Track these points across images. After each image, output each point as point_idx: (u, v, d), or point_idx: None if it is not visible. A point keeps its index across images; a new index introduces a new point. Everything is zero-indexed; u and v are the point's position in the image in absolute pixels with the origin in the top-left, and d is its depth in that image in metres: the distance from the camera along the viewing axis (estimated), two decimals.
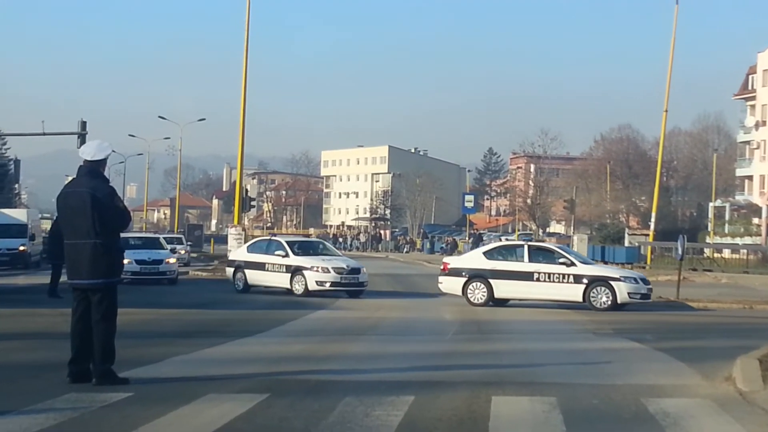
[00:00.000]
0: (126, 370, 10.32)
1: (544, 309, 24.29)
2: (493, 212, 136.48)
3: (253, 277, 28.85)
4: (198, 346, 13.84)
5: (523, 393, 10.01)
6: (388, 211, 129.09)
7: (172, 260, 33.96)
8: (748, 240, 66.02)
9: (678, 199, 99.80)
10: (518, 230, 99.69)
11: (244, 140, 41.98)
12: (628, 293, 24.14)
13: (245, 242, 41.82)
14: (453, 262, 26.72)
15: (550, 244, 33.94)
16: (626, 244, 59.51)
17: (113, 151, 10.77)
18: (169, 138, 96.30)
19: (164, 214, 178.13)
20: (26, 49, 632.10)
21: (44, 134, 50.06)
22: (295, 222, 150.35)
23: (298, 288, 27.24)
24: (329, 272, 27.14)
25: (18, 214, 47.24)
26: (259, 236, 45.62)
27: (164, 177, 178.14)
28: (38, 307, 20.98)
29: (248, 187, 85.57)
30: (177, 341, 14.56)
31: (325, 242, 36.97)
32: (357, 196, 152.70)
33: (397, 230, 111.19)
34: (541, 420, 8.59)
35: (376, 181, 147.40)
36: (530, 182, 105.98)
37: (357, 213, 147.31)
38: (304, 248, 29.50)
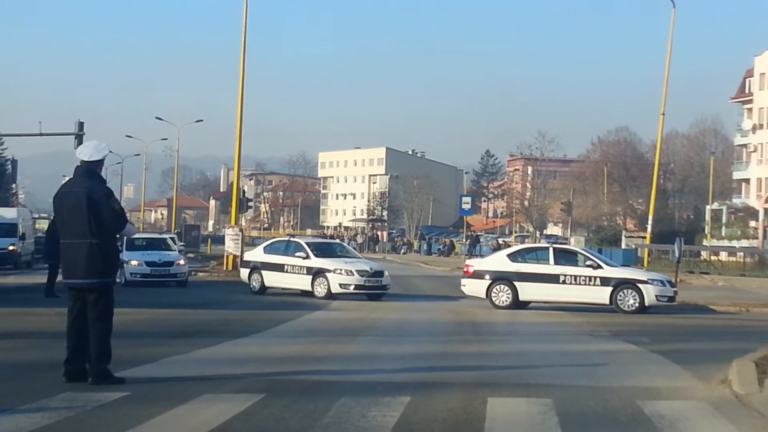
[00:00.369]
0: (122, 369, 10.31)
1: (541, 311, 24.30)
2: (491, 214, 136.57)
3: (271, 278, 28.51)
4: (194, 346, 13.83)
5: (519, 394, 10.01)
6: (385, 213, 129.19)
7: (183, 262, 33.27)
8: (744, 243, 66.17)
9: (675, 202, 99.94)
10: (515, 232, 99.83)
11: (242, 141, 41.97)
12: (656, 296, 24.12)
13: (242, 243, 41.97)
14: (476, 264, 26.50)
15: (575, 246, 33.57)
16: (623, 246, 59.65)
17: (110, 151, 10.77)
18: (166, 139, 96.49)
19: (161, 214, 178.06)
20: (24, 49, 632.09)
21: (41, 135, 49.95)
22: (292, 223, 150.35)
23: (320, 291, 26.88)
24: (353, 275, 26.74)
25: (8, 213, 46.07)
26: (258, 236, 45.60)
27: (161, 178, 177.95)
28: (35, 306, 20.99)
29: (245, 188, 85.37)
30: (173, 341, 14.55)
31: (343, 244, 36.59)
32: (354, 198, 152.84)
33: (394, 231, 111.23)
34: (537, 422, 8.59)
35: (374, 183, 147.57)
36: (527, 184, 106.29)
37: (354, 214, 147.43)
38: (324, 250, 29.09)
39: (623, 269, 26.89)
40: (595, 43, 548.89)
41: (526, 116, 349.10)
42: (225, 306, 23.55)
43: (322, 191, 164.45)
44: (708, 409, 9.43)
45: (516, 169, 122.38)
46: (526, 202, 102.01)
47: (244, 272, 29.86)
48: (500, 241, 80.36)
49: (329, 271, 26.90)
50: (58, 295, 21.51)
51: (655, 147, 53.85)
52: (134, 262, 31.09)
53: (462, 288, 26.03)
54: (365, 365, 12.40)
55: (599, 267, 24.48)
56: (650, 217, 47.05)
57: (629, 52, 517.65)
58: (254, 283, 28.87)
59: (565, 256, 25.24)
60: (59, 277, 19.80)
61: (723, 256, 57.31)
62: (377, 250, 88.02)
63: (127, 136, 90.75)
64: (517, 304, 24.53)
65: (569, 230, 77.04)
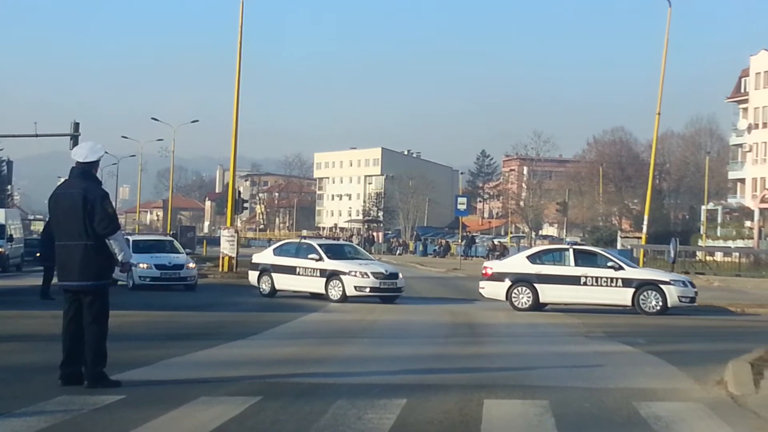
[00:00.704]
0: (118, 372, 10.30)
1: (537, 312, 24.28)
2: (486, 215, 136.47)
3: (282, 281, 27.94)
4: (190, 348, 13.81)
5: (515, 396, 10.02)
6: (380, 213, 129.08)
7: (193, 265, 32.21)
8: (740, 243, 66.26)
9: (670, 202, 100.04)
10: (511, 233, 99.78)
11: (237, 142, 41.90)
12: (678, 297, 24.08)
13: (237, 244, 41.90)
14: (495, 266, 26.18)
15: (595, 247, 33.35)
16: (618, 246, 59.56)
17: (106, 152, 10.74)
18: (162, 140, 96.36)
19: (157, 215, 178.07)
20: (19, 50, 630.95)
21: (37, 136, 49.79)
22: (287, 224, 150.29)
23: (335, 293, 26.33)
24: (368, 277, 26.18)
25: None
26: (254, 237, 45.46)
27: (157, 178, 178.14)
28: (30, 308, 20.96)
29: (241, 189, 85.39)
30: (169, 344, 14.53)
31: (355, 245, 36.18)
32: (350, 198, 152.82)
33: (389, 232, 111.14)
34: (534, 423, 8.60)
35: (369, 183, 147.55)
36: (523, 185, 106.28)
37: (350, 215, 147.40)
38: (335, 252, 28.31)
39: (645, 270, 26.77)
40: (591, 44, 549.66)
41: (521, 116, 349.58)
42: (221, 308, 23.51)
43: (318, 192, 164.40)
44: (704, 410, 9.44)
45: (511, 170, 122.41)
46: (521, 203, 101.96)
47: (253, 275, 29.06)
48: (496, 241, 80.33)
49: (344, 273, 26.34)
50: (53, 297, 21.47)
51: (651, 147, 53.93)
52: (143, 265, 30.18)
53: (480, 291, 25.80)
54: (361, 367, 12.40)
55: (621, 268, 24.38)
56: (646, 217, 47.02)
57: (625, 53, 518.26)
58: (264, 286, 28.24)
59: (586, 258, 25.10)
60: (54, 279, 19.77)
61: (718, 256, 57.33)
62: (373, 251, 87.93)
63: (122, 136, 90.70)
64: (537, 306, 24.43)
65: (565, 231, 77.12)
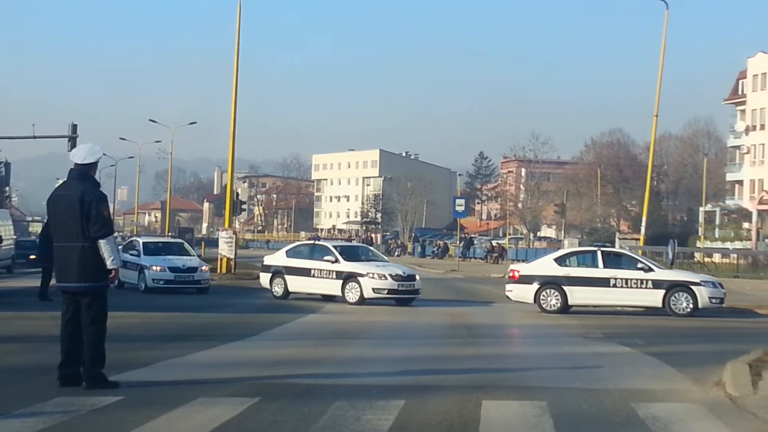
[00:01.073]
0: (116, 373, 10.30)
1: (534, 313, 24.31)
2: (484, 216, 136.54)
3: (296, 283, 27.47)
4: (188, 349, 13.81)
5: (514, 397, 10.01)
6: (379, 215, 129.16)
7: (206, 268, 31.83)
8: (738, 244, 66.19)
9: (668, 204, 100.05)
10: (509, 234, 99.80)
11: (235, 144, 41.95)
12: (709, 298, 24.05)
13: (236, 246, 41.87)
14: (523, 269, 25.98)
15: (624, 249, 33.20)
16: (616, 248, 59.52)
17: (104, 154, 10.74)
18: (160, 141, 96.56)
19: (155, 217, 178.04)
20: (18, 53, 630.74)
21: (35, 137, 49.80)
22: (285, 226, 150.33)
23: (352, 296, 25.95)
24: (386, 279, 25.79)
25: None
26: (252, 239, 45.34)
27: (155, 180, 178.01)
28: (28, 310, 20.95)
29: (239, 191, 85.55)
30: (167, 345, 14.53)
31: (369, 247, 35.93)
32: (348, 200, 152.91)
33: (388, 234, 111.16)
34: (532, 424, 8.60)
35: (367, 185, 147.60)
36: (521, 186, 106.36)
37: (348, 216, 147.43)
38: (350, 253, 27.84)
39: (675, 272, 26.65)
40: (589, 45, 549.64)
41: (519, 118, 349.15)
42: (220, 309, 23.50)
43: (316, 194, 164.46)
44: (702, 411, 9.44)
45: (509, 171, 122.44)
46: (519, 204, 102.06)
47: (265, 277, 28.51)
48: (494, 243, 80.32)
49: (361, 275, 25.95)
50: (51, 298, 21.44)
51: (649, 149, 54.02)
52: (156, 268, 29.92)
53: (507, 293, 25.62)
54: (360, 368, 12.40)
55: (651, 270, 24.36)
56: (644, 218, 47.14)
57: (623, 54, 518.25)
58: (276, 288, 27.77)
59: (614, 259, 25.07)
60: (53, 281, 19.76)
61: (716, 257, 57.29)
62: None
63: (120, 138, 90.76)
64: (566, 308, 24.38)
65: (563, 232, 77.13)
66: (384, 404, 9.29)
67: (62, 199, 10.14)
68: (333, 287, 26.53)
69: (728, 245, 66.09)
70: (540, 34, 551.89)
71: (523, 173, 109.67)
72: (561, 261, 25.24)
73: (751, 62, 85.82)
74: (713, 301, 24.15)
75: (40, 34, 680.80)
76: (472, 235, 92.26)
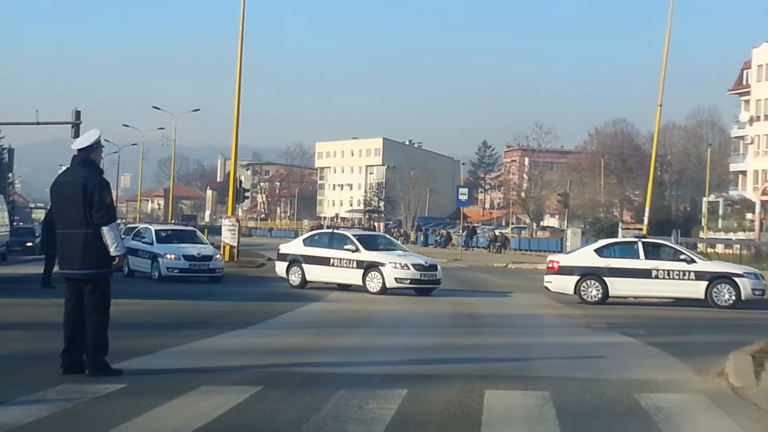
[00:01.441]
0: (119, 361, 10.30)
1: (537, 303, 24.30)
2: (487, 205, 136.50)
3: (314, 272, 27.23)
4: (191, 337, 13.82)
5: (516, 387, 10.02)
6: (382, 204, 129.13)
7: (220, 256, 31.60)
8: (741, 235, 66.08)
9: (672, 194, 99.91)
10: (512, 223, 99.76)
11: (239, 131, 41.89)
12: (752, 289, 23.98)
13: (239, 233, 41.88)
14: (562, 260, 25.86)
15: (665, 240, 33.06)
16: (620, 238, 59.48)
17: (106, 140, 10.72)
18: (163, 128, 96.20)
19: (158, 204, 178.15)
20: (22, 39, 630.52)
21: (38, 123, 49.75)
22: (288, 213, 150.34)
23: (374, 285, 25.77)
24: (409, 269, 25.71)
25: None
26: (255, 227, 45.23)
27: (158, 167, 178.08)
28: (31, 297, 20.96)
29: (242, 178, 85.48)
30: (170, 332, 14.54)
31: (388, 236, 35.55)
32: (351, 188, 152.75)
33: (391, 222, 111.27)
34: (534, 414, 8.60)
35: (371, 173, 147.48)
36: (524, 175, 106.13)
37: (351, 205, 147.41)
38: (370, 242, 27.54)
39: (718, 263, 26.59)
40: (593, 35, 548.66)
41: (523, 107, 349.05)
42: (221, 297, 23.49)
43: (319, 182, 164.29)
44: (705, 402, 9.45)
45: (513, 160, 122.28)
46: (522, 194, 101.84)
47: (281, 266, 28.23)
48: (497, 232, 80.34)
49: (383, 264, 25.80)
50: (54, 285, 21.44)
51: (652, 138, 53.83)
52: (171, 256, 29.55)
53: (546, 285, 25.54)
54: (363, 357, 12.41)
55: (693, 261, 24.36)
56: (647, 208, 46.97)
57: (627, 44, 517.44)
58: (293, 277, 27.48)
59: (655, 250, 25.01)
60: (56, 268, 19.75)
61: (719, 248, 57.20)
62: None
63: (124, 125, 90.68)
64: (606, 299, 24.34)
65: (566, 221, 76.95)
66: (387, 393, 9.29)
67: (65, 186, 10.13)
68: (353, 276, 26.38)
69: (731, 236, 65.98)
70: (544, 24, 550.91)
71: (526, 162, 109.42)
72: (601, 252, 25.09)
73: (756, 52, 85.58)
74: (756, 292, 24.06)
75: (44, 20, 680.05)
76: (475, 225, 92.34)
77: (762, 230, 64.68)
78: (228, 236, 40.47)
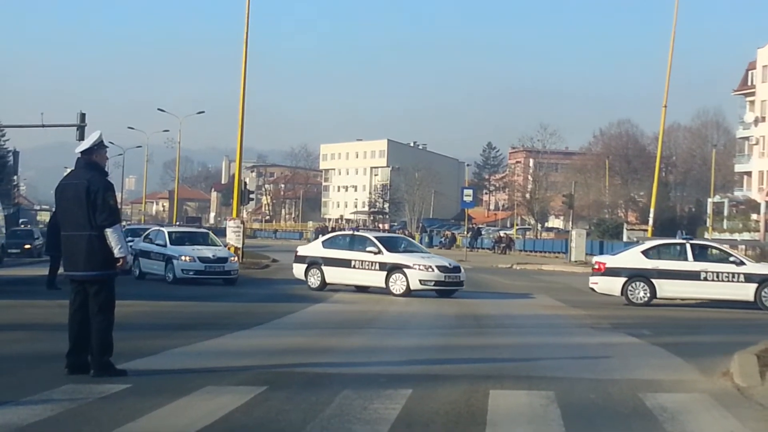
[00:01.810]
0: (124, 361, 10.32)
1: (542, 303, 24.26)
2: (492, 206, 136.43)
3: (335, 274, 26.76)
4: (196, 338, 13.83)
5: (521, 387, 10.02)
6: (386, 205, 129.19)
7: (235, 258, 31.53)
8: (746, 236, 66.05)
9: (677, 195, 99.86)
10: (517, 225, 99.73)
11: (243, 133, 42.02)
12: None
13: (243, 235, 41.90)
14: (609, 261, 25.65)
15: (712, 242, 32.86)
16: (624, 239, 59.45)
17: (111, 142, 10.76)
18: (168, 130, 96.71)
19: (163, 206, 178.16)
20: (27, 41, 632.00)
21: (43, 126, 49.81)
22: (293, 215, 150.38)
23: (398, 288, 25.36)
24: (433, 270, 25.34)
25: None
26: (259, 228, 45.22)
27: (163, 169, 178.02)
28: (36, 298, 21.00)
29: (247, 180, 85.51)
30: (175, 333, 14.55)
31: (408, 238, 35.26)
32: (356, 190, 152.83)
33: (395, 224, 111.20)
34: (539, 414, 8.60)
35: (375, 175, 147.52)
36: (529, 177, 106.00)
37: (356, 206, 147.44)
38: (391, 244, 27.10)
39: (766, 265, 26.47)
40: (598, 36, 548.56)
41: (528, 108, 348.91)
42: (226, 298, 23.50)
43: (324, 183, 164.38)
44: (709, 402, 9.44)
45: (517, 162, 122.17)
46: (527, 195, 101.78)
47: (299, 268, 27.69)
48: (502, 233, 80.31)
49: (407, 266, 25.40)
50: (59, 286, 21.48)
51: (657, 139, 53.87)
52: (186, 258, 29.24)
53: (592, 286, 25.33)
54: (367, 358, 12.42)
55: (742, 263, 24.30)
56: (652, 209, 47.11)
57: (632, 45, 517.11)
58: (313, 280, 26.98)
59: (704, 252, 24.92)
60: (61, 269, 19.78)
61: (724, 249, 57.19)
62: None
63: (128, 127, 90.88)
64: (652, 301, 24.24)
65: (571, 223, 76.90)
66: (391, 393, 9.29)
67: (69, 188, 10.15)
68: (376, 279, 26.07)
69: (736, 236, 65.93)
70: (549, 24, 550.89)
71: (531, 164, 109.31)
72: (648, 253, 24.89)
73: (761, 53, 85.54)
74: None
75: (49, 22, 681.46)
76: (480, 226, 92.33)
77: (767, 231, 64.62)
78: (233, 238, 40.52)
